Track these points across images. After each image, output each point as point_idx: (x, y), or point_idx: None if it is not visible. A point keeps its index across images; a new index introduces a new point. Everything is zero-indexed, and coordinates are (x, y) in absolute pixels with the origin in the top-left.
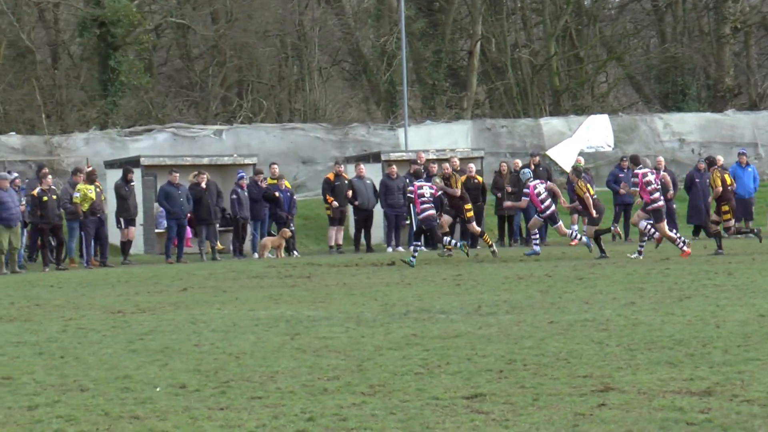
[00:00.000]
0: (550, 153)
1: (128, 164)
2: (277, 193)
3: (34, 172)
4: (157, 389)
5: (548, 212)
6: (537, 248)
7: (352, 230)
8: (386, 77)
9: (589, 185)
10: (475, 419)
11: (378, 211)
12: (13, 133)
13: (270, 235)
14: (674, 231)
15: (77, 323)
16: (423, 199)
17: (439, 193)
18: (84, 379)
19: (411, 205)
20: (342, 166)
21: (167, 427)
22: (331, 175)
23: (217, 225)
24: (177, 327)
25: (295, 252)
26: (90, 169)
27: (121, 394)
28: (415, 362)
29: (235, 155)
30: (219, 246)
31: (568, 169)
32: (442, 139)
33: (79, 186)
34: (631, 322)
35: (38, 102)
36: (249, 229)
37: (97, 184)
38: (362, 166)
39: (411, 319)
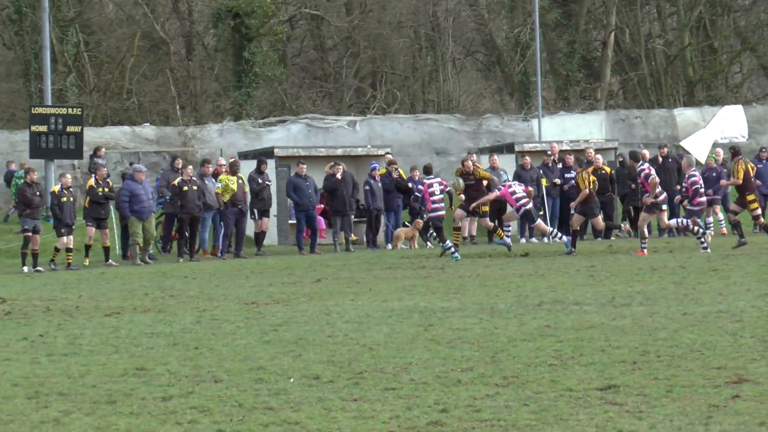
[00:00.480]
0: (684, 144)
1: (262, 155)
2: (410, 184)
3: (168, 163)
4: (291, 380)
5: (523, 210)
6: (507, 240)
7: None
8: (520, 68)
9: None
10: (609, 411)
11: None
12: (148, 124)
13: (404, 226)
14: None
15: (211, 314)
16: (434, 197)
17: (448, 188)
18: (218, 370)
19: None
20: (474, 156)
21: (301, 418)
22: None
23: (352, 216)
24: (311, 318)
25: (428, 243)
26: (232, 160)
27: (254, 385)
28: (549, 353)
29: (368, 146)
30: (353, 237)
31: (702, 160)
32: (576, 130)
33: (221, 177)
34: (766, 314)
35: (172, 93)
36: (382, 219)
37: (239, 175)
38: (496, 157)
39: (544, 311)
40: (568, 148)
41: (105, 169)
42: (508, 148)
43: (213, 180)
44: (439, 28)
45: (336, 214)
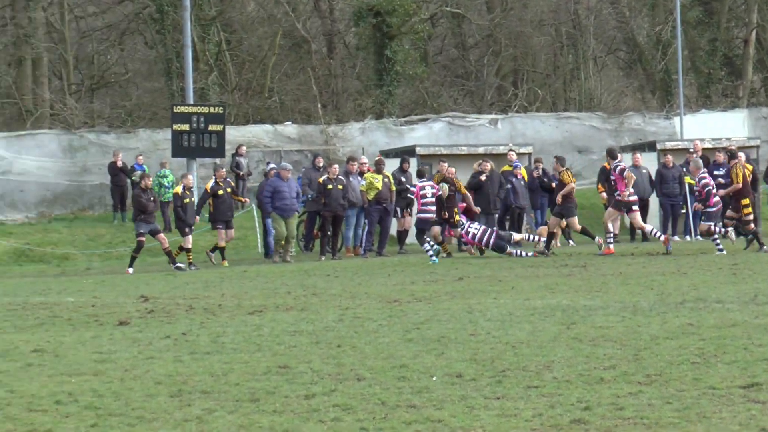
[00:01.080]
0: None
1: (404, 154)
2: (554, 184)
3: (310, 161)
4: (434, 378)
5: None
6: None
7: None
8: (661, 66)
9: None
10: (752, 408)
11: (654, 201)
12: (290, 122)
13: (545, 224)
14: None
15: (354, 312)
16: (424, 200)
17: (439, 193)
18: (361, 368)
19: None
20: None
21: (444, 416)
22: (607, 165)
23: (496, 215)
24: (453, 316)
25: (570, 241)
26: (378, 158)
27: (397, 383)
28: (692, 351)
29: (510, 144)
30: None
31: None
32: (718, 128)
33: (366, 175)
34: None
35: (314, 92)
36: (525, 218)
37: (385, 173)
38: (638, 155)
39: (687, 309)
40: (710, 146)
41: (224, 170)
42: (650, 146)
43: (358, 178)
44: (581, 26)
45: (481, 213)
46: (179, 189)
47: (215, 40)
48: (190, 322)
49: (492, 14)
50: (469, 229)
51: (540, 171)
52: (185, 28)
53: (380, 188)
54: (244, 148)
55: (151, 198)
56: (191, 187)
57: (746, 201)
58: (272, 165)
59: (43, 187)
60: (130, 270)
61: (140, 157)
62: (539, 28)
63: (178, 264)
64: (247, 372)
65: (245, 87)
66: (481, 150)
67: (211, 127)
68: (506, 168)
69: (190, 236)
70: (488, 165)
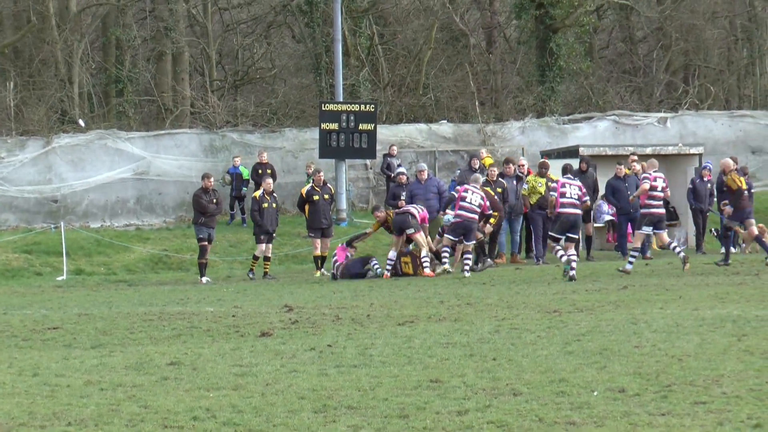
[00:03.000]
0: None
1: (567, 154)
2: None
3: (466, 162)
4: (595, 393)
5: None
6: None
7: None
8: None
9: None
10: None
11: None
12: (445, 120)
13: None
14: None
15: (510, 323)
16: (463, 203)
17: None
18: (517, 383)
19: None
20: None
21: None
22: None
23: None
24: (616, 327)
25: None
26: (542, 161)
27: (556, 399)
28: None
29: (680, 145)
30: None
31: None
32: None
33: (528, 178)
34: None
35: (471, 88)
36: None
37: (549, 176)
38: None
39: None
40: None
41: (321, 173)
42: None
43: (513, 182)
44: (756, 18)
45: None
46: (258, 193)
47: (367, 34)
48: (336, 333)
49: (662, 6)
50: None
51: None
52: (336, 21)
53: (542, 193)
54: (395, 148)
55: (213, 200)
56: (271, 192)
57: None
58: (420, 165)
59: (182, 190)
60: (203, 280)
61: (237, 159)
62: (712, 20)
63: (204, 278)
64: (396, 386)
65: (398, 83)
66: (648, 150)
67: (362, 126)
68: None
69: (263, 245)
70: (622, 168)
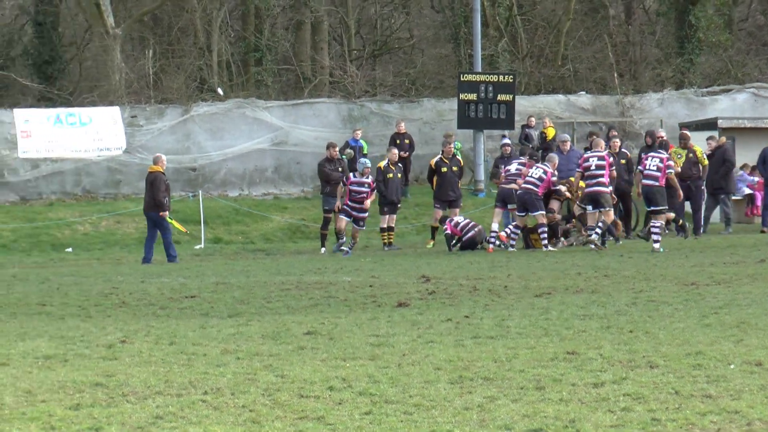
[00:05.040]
0: None
1: (705, 127)
2: None
3: (604, 134)
4: (731, 366)
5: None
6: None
7: None
8: None
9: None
10: None
11: None
12: (584, 92)
13: None
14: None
15: (648, 295)
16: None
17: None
18: (653, 355)
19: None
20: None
21: (741, 406)
22: None
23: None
24: (754, 300)
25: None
26: (682, 132)
27: (692, 371)
28: None
29: None
30: None
31: None
32: None
33: (670, 150)
34: None
35: (610, 60)
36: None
37: (692, 146)
38: None
39: None
40: None
41: (452, 145)
42: None
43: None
44: None
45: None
46: (383, 163)
47: (506, 4)
48: (473, 305)
49: None
50: (454, 218)
51: None
52: None
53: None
54: (533, 119)
55: (339, 168)
56: (396, 162)
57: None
58: (507, 140)
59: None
60: (323, 250)
61: (358, 132)
62: None
63: (343, 247)
64: (532, 358)
65: (537, 54)
66: None
67: (500, 97)
68: None
69: (387, 216)
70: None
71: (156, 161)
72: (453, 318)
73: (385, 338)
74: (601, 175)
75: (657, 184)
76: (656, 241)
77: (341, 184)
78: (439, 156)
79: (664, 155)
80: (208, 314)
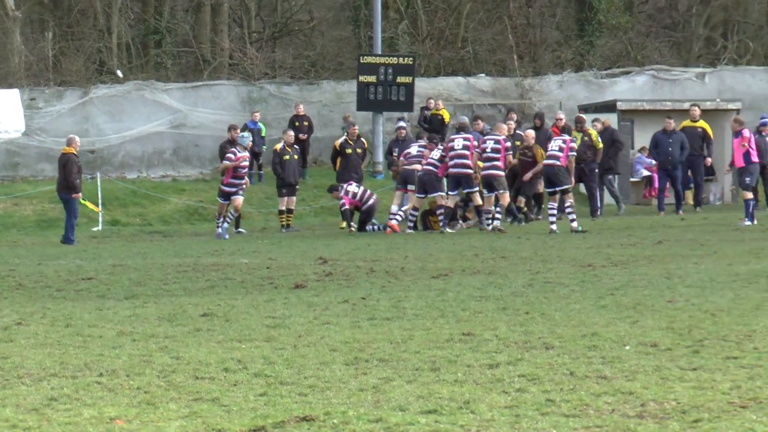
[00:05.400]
0: None
1: (605, 109)
2: None
3: (503, 116)
4: (627, 347)
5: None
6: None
7: None
8: None
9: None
10: None
11: None
12: (483, 74)
13: None
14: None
15: (544, 277)
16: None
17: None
18: (549, 336)
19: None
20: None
21: (635, 387)
22: None
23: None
24: (650, 282)
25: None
26: (578, 115)
27: (588, 353)
28: None
29: (717, 100)
30: None
31: None
32: None
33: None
34: None
35: (510, 42)
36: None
37: (587, 129)
38: None
39: None
40: None
41: (356, 127)
42: None
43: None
44: None
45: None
46: (279, 146)
47: None
48: (370, 286)
49: None
50: (348, 188)
51: None
52: None
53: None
54: (433, 101)
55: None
56: (292, 144)
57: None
58: (402, 123)
59: (218, 142)
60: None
61: (256, 114)
62: None
63: (219, 229)
64: (428, 339)
65: (437, 36)
66: (686, 106)
67: (400, 79)
68: (687, 124)
69: (285, 198)
70: (671, 123)
71: (69, 143)
72: (349, 299)
73: (281, 320)
74: (496, 159)
75: (559, 163)
76: (573, 220)
77: (227, 161)
78: (344, 137)
79: (567, 137)
80: (104, 296)
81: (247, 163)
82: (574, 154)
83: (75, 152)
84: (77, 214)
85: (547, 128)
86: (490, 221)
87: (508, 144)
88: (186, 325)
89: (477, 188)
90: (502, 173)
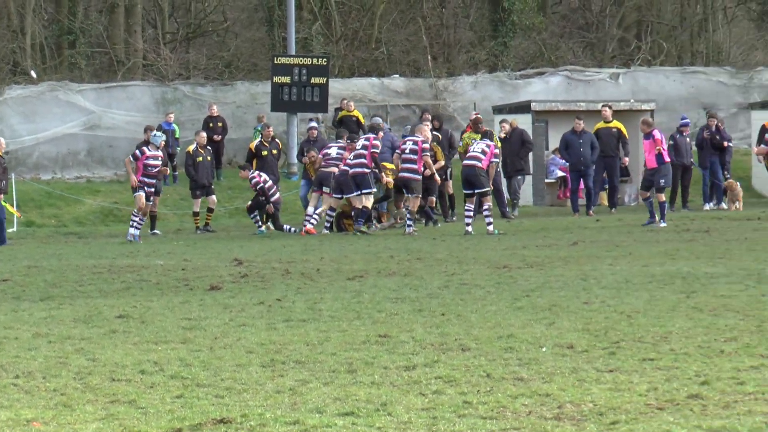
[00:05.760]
0: None
1: (519, 110)
2: (725, 143)
3: (417, 117)
4: (543, 349)
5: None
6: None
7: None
8: None
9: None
10: None
11: None
12: (397, 75)
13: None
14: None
15: (460, 278)
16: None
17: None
18: (465, 338)
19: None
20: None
21: (552, 389)
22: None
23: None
24: (565, 283)
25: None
26: (474, 117)
27: (504, 354)
28: None
29: (632, 100)
30: None
31: None
32: None
33: (464, 135)
34: None
35: (424, 43)
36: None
37: (485, 130)
38: None
39: None
40: None
41: (271, 128)
42: None
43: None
44: None
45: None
46: (191, 147)
47: None
48: (285, 288)
49: None
50: (259, 179)
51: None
52: None
53: None
54: (347, 102)
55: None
56: (205, 145)
57: None
58: (314, 123)
59: (133, 143)
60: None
61: (170, 115)
62: None
63: (155, 231)
64: (344, 341)
65: (351, 37)
66: (600, 106)
67: (314, 80)
68: (601, 125)
69: (199, 200)
70: (580, 123)
71: None
72: (265, 301)
73: (197, 321)
74: (413, 161)
75: (480, 165)
76: (489, 224)
77: (131, 159)
78: (259, 139)
79: (491, 142)
80: (19, 298)
81: (159, 162)
82: (497, 161)
83: (0, 154)
84: (4, 215)
85: (447, 129)
86: (409, 228)
87: (426, 146)
88: (102, 326)
89: (419, 193)
90: (419, 176)
